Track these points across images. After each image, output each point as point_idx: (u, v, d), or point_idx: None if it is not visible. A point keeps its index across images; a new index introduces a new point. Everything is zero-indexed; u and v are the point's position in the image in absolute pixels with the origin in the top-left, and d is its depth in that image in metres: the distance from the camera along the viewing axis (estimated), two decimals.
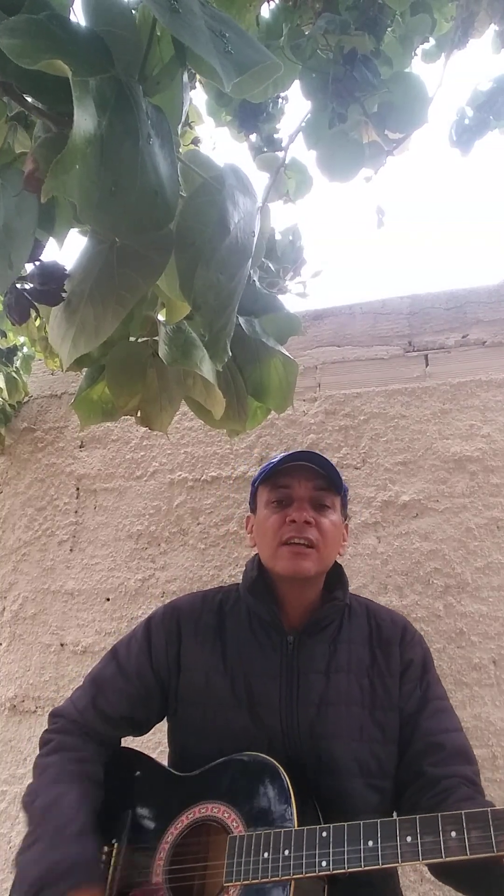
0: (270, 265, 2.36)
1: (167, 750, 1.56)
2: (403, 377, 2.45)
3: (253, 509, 1.63)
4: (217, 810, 1.32)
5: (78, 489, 2.72)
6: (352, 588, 2.21)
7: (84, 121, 0.61)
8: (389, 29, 1.83)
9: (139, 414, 1.25)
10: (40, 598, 2.63)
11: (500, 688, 2.08)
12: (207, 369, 1.09)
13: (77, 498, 2.71)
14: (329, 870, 1.17)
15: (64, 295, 0.80)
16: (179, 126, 0.85)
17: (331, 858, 1.17)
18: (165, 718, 1.57)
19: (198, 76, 1.67)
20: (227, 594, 1.62)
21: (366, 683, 1.46)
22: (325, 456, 1.54)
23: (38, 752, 1.48)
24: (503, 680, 2.08)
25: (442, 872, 1.29)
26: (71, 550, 2.64)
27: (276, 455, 1.61)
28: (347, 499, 1.63)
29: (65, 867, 1.22)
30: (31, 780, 1.42)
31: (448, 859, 1.12)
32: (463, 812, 1.15)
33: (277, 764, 1.32)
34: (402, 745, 1.43)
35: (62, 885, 1.20)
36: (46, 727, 1.52)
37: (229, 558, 2.42)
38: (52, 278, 0.79)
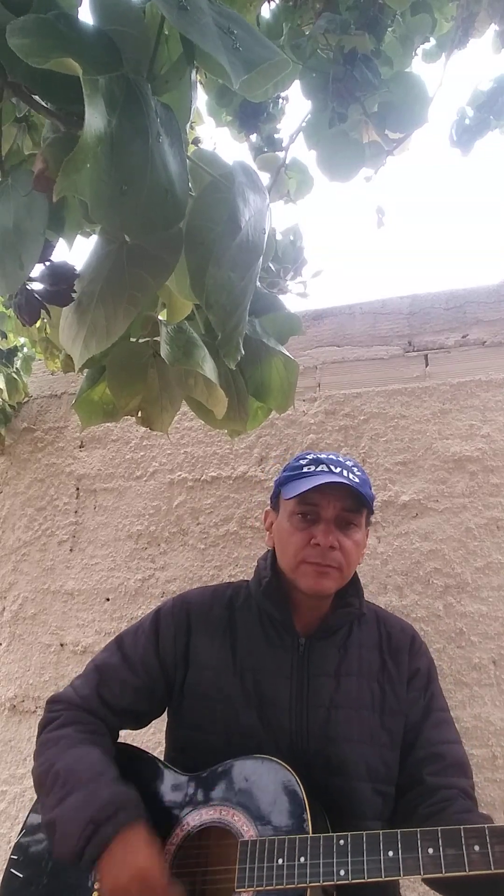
0: (271, 265, 2.36)
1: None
2: (403, 377, 2.45)
3: (274, 506, 1.58)
4: (227, 813, 1.30)
5: (78, 489, 2.72)
6: None
7: (94, 119, 0.61)
8: (390, 29, 1.83)
9: (140, 414, 1.25)
10: (40, 598, 2.62)
11: (500, 688, 2.08)
12: (209, 369, 1.09)
13: (77, 498, 2.71)
14: (348, 879, 1.14)
15: (74, 295, 0.80)
16: (187, 125, 0.85)
17: (349, 868, 1.15)
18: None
19: (199, 76, 1.67)
20: (237, 590, 1.60)
21: (376, 688, 1.46)
22: (356, 470, 1.49)
23: (39, 738, 1.45)
24: (503, 680, 2.08)
25: (440, 884, 1.28)
26: (71, 550, 2.64)
27: (306, 455, 1.55)
28: (373, 506, 1.58)
29: (117, 804, 1.22)
30: (39, 756, 1.39)
31: (472, 873, 1.11)
32: (486, 826, 1.14)
33: (290, 768, 1.30)
34: (403, 752, 1.43)
35: (118, 819, 1.20)
36: (45, 713, 1.49)
37: (229, 558, 2.42)
38: (62, 279, 0.79)
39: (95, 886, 1.27)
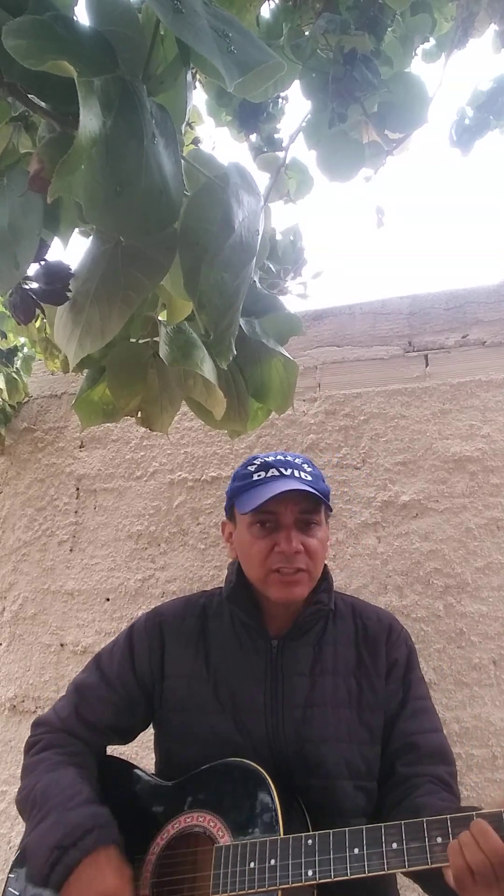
0: (271, 266, 2.36)
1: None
2: (403, 377, 2.45)
3: (230, 517, 1.57)
4: (203, 819, 1.30)
5: (78, 489, 2.72)
6: (352, 588, 2.22)
7: (89, 121, 0.61)
8: (389, 29, 1.83)
9: (140, 414, 1.25)
10: (40, 598, 2.62)
11: (500, 688, 2.08)
12: (208, 369, 1.09)
13: (77, 498, 2.71)
14: (315, 879, 1.15)
15: (69, 294, 0.80)
16: (182, 125, 0.85)
17: (317, 868, 1.15)
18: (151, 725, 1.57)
19: (198, 76, 1.67)
20: (211, 598, 1.61)
21: (353, 684, 1.45)
22: (307, 466, 1.48)
23: (23, 763, 1.47)
24: (503, 680, 2.08)
25: (424, 881, 1.27)
26: (71, 550, 2.64)
27: (252, 460, 1.52)
28: (330, 497, 1.56)
29: (85, 828, 1.21)
30: (21, 781, 1.41)
31: (434, 866, 1.10)
32: (448, 817, 1.14)
33: (262, 770, 1.30)
34: (382, 745, 1.42)
35: (85, 844, 1.19)
36: (29, 736, 1.51)
37: (229, 558, 2.42)
38: (56, 278, 0.79)
39: None
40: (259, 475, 1.46)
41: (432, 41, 2.00)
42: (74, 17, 0.72)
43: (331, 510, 1.52)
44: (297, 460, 1.50)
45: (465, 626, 2.13)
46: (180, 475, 2.57)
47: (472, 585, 2.16)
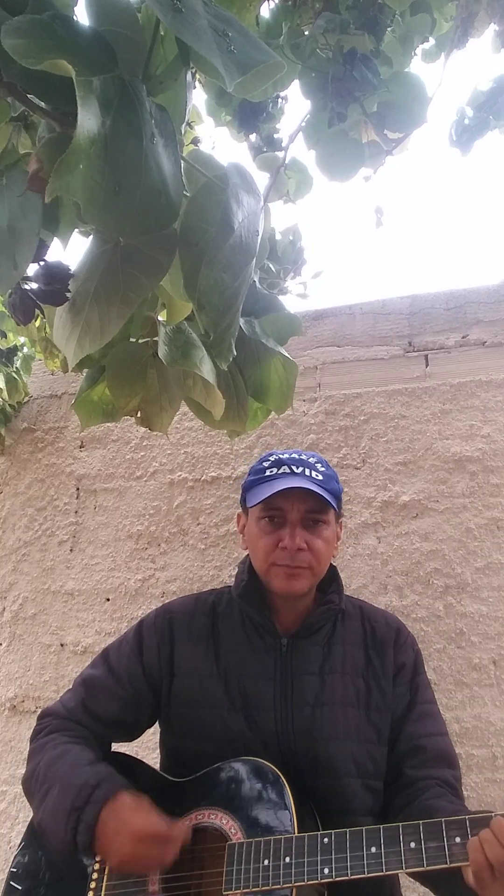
0: (271, 265, 2.36)
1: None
2: (403, 377, 2.45)
3: (244, 510, 1.59)
4: (215, 817, 1.30)
5: (78, 489, 2.71)
6: (352, 588, 2.22)
7: (88, 121, 0.61)
8: (389, 29, 1.83)
9: (139, 414, 1.25)
10: (40, 598, 2.62)
11: (500, 688, 2.08)
12: (207, 370, 1.09)
13: (77, 498, 2.70)
14: (332, 877, 1.15)
15: (68, 295, 0.80)
16: (182, 125, 0.85)
17: (333, 865, 1.16)
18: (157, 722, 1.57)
19: (198, 76, 1.67)
20: (220, 596, 1.61)
21: (361, 685, 1.46)
22: (320, 466, 1.50)
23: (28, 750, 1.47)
24: (503, 680, 2.08)
25: (427, 879, 1.28)
26: (71, 550, 2.64)
27: (269, 456, 1.55)
28: (342, 498, 1.59)
29: (92, 784, 1.24)
30: (27, 766, 1.42)
31: (453, 865, 1.11)
32: (467, 817, 1.15)
33: (276, 769, 1.30)
34: (389, 747, 1.43)
35: (96, 798, 1.22)
36: (35, 726, 1.51)
37: (229, 558, 2.42)
38: (56, 278, 0.79)
39: (94, 877, 1.28)
40: (271, 471, 1.48)
41: (432, 41, 2.00)
42: (74, 17, 0.72)
43: (340, 510, 1.54)
44: (311, 459, 1.51)
45: (465, 626, 2.13)
46: (180, 475, 2.57)
47: (472, 585, 2.16)
